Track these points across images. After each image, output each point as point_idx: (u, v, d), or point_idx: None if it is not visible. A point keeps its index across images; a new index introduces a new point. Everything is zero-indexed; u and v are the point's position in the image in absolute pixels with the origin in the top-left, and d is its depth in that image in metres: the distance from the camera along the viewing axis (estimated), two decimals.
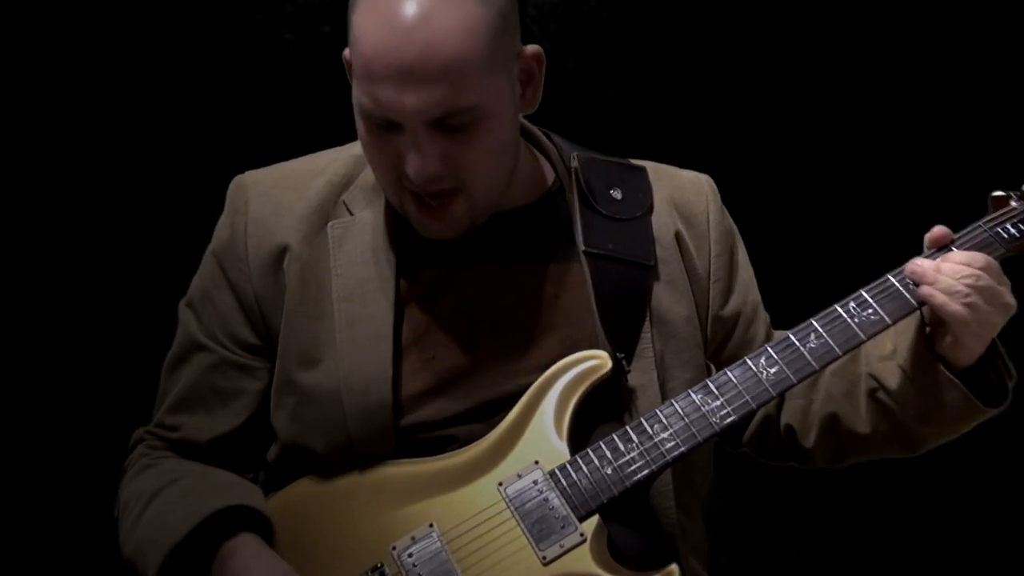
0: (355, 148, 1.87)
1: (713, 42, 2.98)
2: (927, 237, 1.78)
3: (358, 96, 1.71)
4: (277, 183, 1.86)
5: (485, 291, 1.80)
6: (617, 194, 1.86)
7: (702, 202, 1.91)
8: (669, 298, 1.84)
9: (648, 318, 1.82)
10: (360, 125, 1.73)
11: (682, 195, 1.91)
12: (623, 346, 1.79)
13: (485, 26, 1.66)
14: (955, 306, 1.69)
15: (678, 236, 1.87)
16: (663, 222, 1.87)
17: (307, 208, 1.83)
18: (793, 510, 2.86)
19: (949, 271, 1.70)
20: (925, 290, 1.71)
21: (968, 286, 1.69)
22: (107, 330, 2.96)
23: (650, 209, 1.87)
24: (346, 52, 1.74)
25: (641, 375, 1.79)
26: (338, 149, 1.91)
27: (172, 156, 2.94)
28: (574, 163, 1.86)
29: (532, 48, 1.77)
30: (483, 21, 1.66)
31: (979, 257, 1.72)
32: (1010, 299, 1.72)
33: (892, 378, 1.79)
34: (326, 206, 1.83)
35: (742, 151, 3.00)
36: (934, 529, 3.12)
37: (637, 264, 1.83)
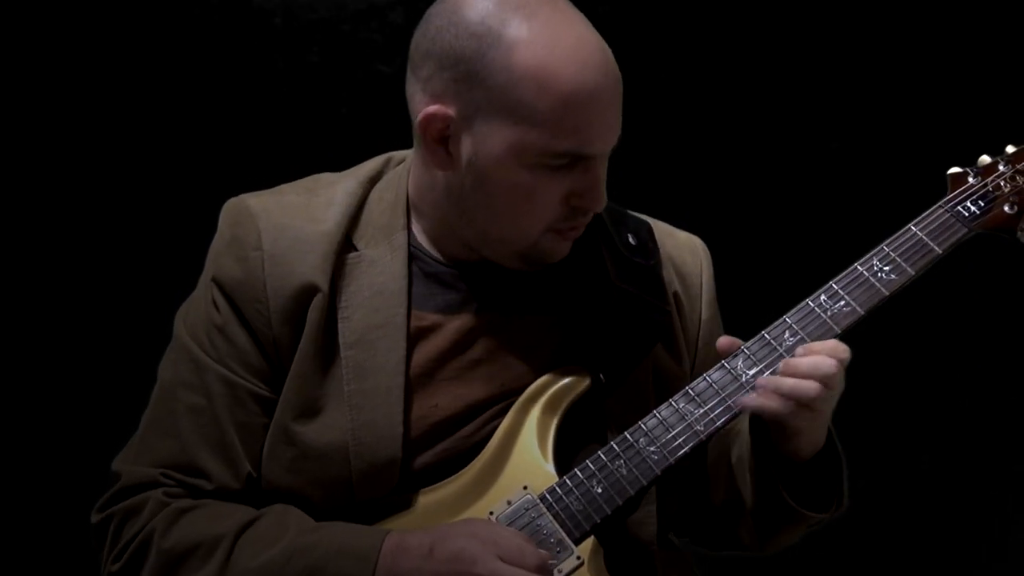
0: (359, 173, 1.82)
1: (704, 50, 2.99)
2: (718, 347, 1.75)
3: (529, 141, 1.64)
4: (289, 213, 1.76)
5: (491, 340, 1.76)
6: (633, 240, 1.85)
7: (697, 264, 1.91)
8: (668, 354, 1.83)
9: (651, 360, 1.81)
10: (516, 175, 1.66)
11: (680, 255, 1.90)
12: (617, 375, 1.77)
13: None
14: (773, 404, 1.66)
15: (675, 296, 1.86)
16: (665, 279, 1.86)
17: (329, 245, 1.74)
18: None
19: (807, 366, 1.66)
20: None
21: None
22: (99, 334, 2.91)
23: (659, 262, 1.86)
24: (435, 108, 1.67)
25: (629, 402, 1.77)
26: (335, 175, 1.85)
27: (168, 158, 2.90)
28: None
29: None
30: None
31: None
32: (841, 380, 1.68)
33: (735, 451, 1.80)
34: (344, 243, 1.76)
35: (729, 153, 3.01)
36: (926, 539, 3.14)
37: (657, 306, 1.82)
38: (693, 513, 1.90)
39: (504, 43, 1.64)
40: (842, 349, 1.68)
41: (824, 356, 1.66)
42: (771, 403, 1.67)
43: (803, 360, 1.67)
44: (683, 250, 1.91)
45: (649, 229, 1.89)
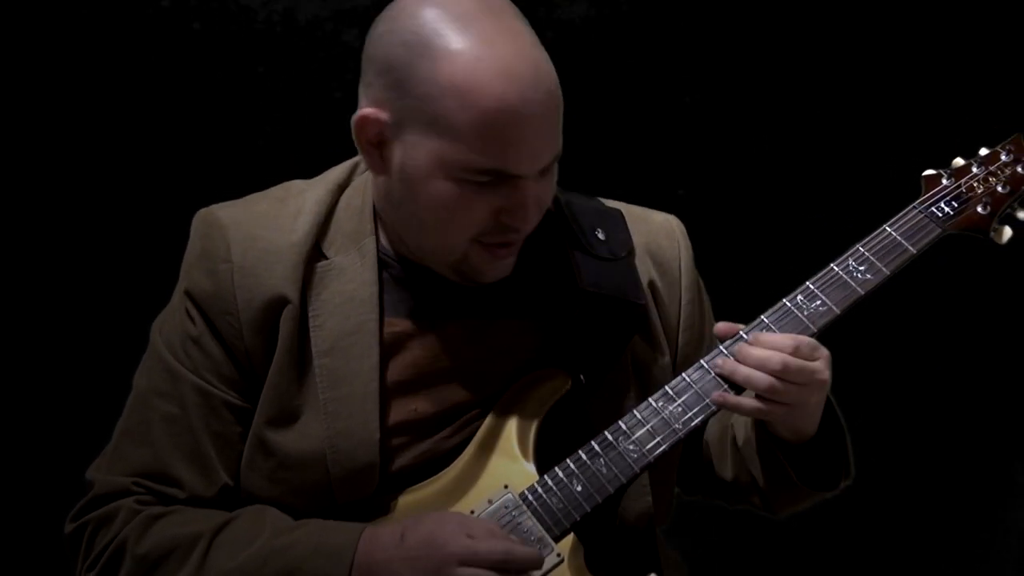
0: (328, 180, 1.81)
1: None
2: (716, 332, 1.77)
3: (452, 155, 1.61)
4: (258, 224, 1.75)
5: (468, 346, 1.77)
6: (601, 235, 1.84)
7: (674, 247, 1.90)
8: (648, 346, 1.84)
9: (629, 356, 1.82)
10: (441, 187, 1.64)
11: (655, 241, 1.89)
12: (596, 375, 1.78)
13: None
14: (750, 403, 1.70)
15: (651, 285, 1.86)
16: (640, 270, 1.85)
17: (298, 255, 1.73)
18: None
19: (755, 359, 1.69)
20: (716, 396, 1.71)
21: (774, 372, 1.68)
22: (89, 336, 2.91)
23: (631, 252, 1.85)
24: (370, 111, 1.66)
25: (608, 399, 1.78)
26: (305, 182, 1.84)
27: (147, 163, 2.89)
28: (558, 203, 1.83)
29: None
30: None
31: (786, 339, 1.70)
32: (825, 375, 1.70)
33: (740, 433, 1.85)
34: (313, 252, 1.75)
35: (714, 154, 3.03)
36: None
37: (630, 303, 1.81)
38: (702, 485, 1.95)
39: (431, 54, 1.61)
40: (787, 344, 1.68)
41: (773, 352, 1.68)
42: (746, 402, 1.70)
43: (754, 351, 1.70)
44: (658, 235, 1.90)
45: (621, 218, 1.88)
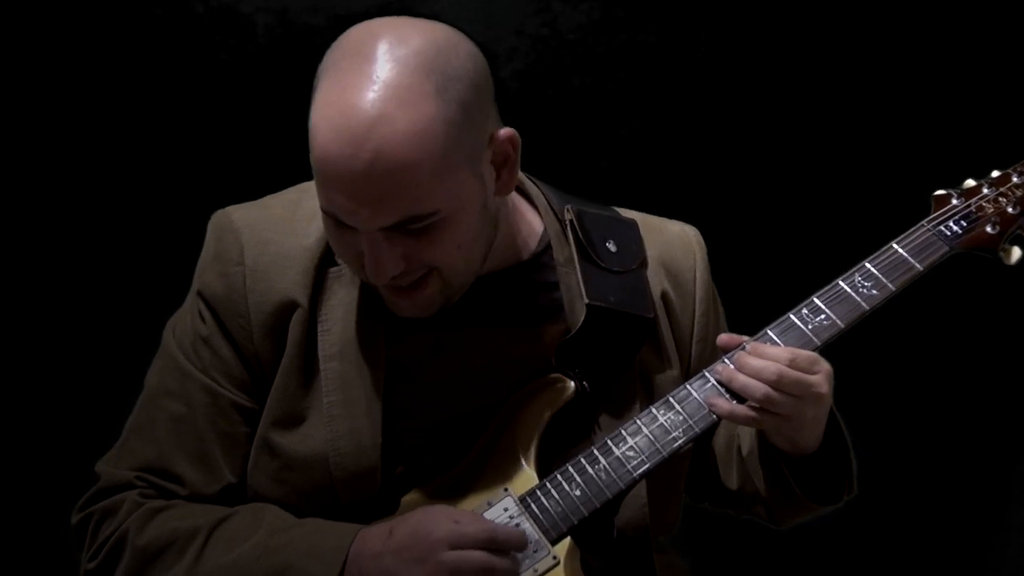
0: None
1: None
2: (718, 343, 1.77)
3: (317, 188, 1.63)
4: (271, 227, 1.78)
5: (475, 354, 1.78)
6: (612, 246, 1.84)
7: (690, 259, 1.90)
8: (657, 358, 1.85)
9: (637, 367, 1.82)
10: (325, 218, 1.66)
11: (670, 252, 1.89)
12: (600, 385, 1.79)
13: (442, 125, 1.56)
14: (744, 411, 1.71)
15: (664, 296, 1.87)
16: (652, 281, 1.86)
17: (310, 260, 1.75)
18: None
19: (751, 368, 1.70)
20: (712, 400, 1.73)
21: (768, 382, 1.69)
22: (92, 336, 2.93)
23: (643, 263, 1.86)
24: None
25: (614, 409, 1.79)
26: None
27: (163, 163, 2.92)
28: (569, 216, 1.83)
29: (506, 132, 1.67)
30: (439, 120, 1.56)
31: (782, 351, 1.71)
32: (823, 389, 1.70)
33: (745, 443, 1.86)
34: (324, 257, 1.76)
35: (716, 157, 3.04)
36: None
37: (637, 317, 1.82)
38: (708, 492, 1.97)
39: (314, 93, 1.62)
40: (784, 356, 1.69)
41: (769, 362, 1.69)
42: (741, 410, 1.71)
43: (751, 360, 1.71)
44: (673, 246, 1.91)
45: (635, 228, 1.89)
